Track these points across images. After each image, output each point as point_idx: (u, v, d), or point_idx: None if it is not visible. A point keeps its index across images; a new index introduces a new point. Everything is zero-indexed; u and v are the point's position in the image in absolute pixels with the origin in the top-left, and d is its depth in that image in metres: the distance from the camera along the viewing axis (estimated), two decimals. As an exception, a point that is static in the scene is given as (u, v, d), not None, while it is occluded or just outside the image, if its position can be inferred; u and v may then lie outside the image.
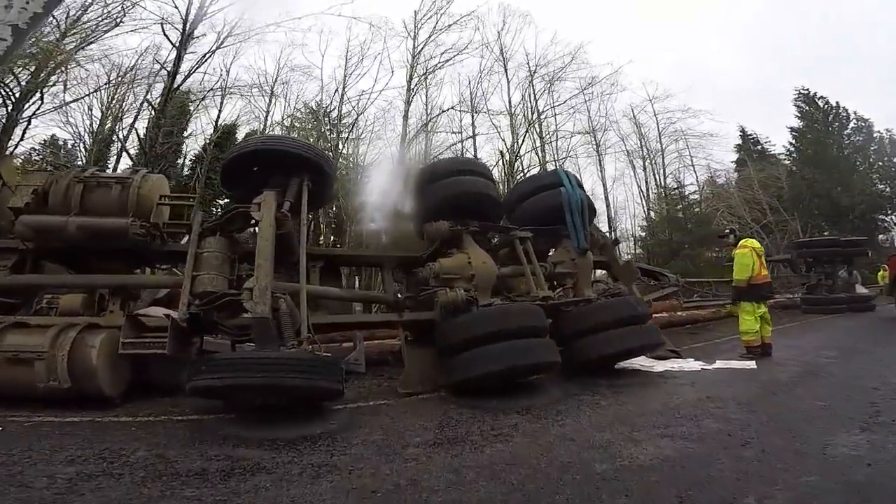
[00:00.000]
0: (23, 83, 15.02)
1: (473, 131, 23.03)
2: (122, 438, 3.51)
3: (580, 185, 7.08)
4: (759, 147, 34.16)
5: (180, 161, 21.96)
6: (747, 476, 2.74)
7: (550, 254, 6.93)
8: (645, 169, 29.46)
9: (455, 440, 3.52)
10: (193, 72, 18.12)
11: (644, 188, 29.63)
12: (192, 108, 20.03)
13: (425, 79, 22.27)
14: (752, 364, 6.24)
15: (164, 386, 4.67)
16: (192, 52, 18.02)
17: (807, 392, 4.69)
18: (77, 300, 4.88)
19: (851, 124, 32.32)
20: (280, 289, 4.38)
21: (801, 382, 5.12)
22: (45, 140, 20.02)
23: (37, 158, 17.63)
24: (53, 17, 14.41)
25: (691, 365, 6.35)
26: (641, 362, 6.34)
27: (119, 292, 5.14)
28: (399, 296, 5.96)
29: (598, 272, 8.16)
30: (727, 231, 7.91)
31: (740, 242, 7.32)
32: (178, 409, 4.36)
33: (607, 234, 8.98)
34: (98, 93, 18.11)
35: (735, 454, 3.08)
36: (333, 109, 21.44)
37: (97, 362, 4.10)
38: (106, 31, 16.82)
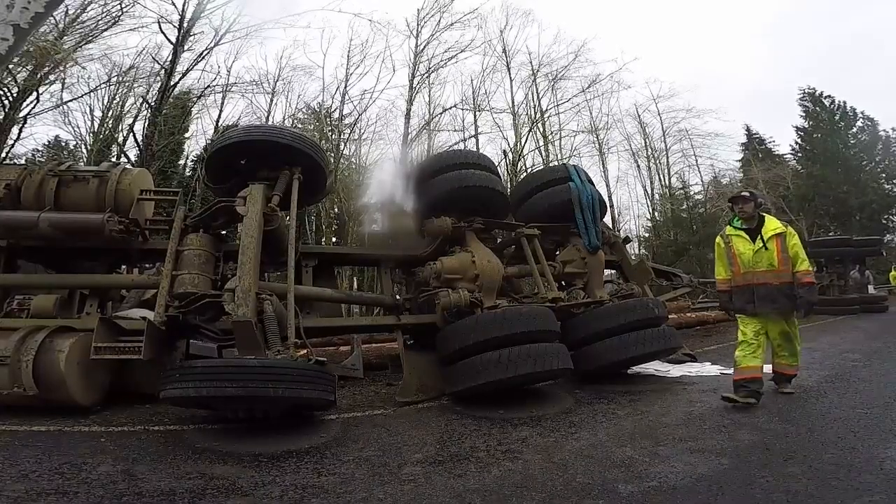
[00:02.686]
0: (20, 82, 14.78)
1: (476, 130, 22.71)
2: (87, 451, 3.17)
3: (590, 181, 6.72)
4: (763, 147, 33.82)
5: (182, 161, 21.80)
6: (799, 497, 2.36)
7: (559, 252, 6.56)
8: (649, 169, 29.15)
9: (458, 457, 3.14)
10: (191, 69, 17.89)
11: (648, 188, 29.31)
12: (192, 108, 19.79)
13: (427, 77, 21.95)
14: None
15: (148, 393, 4.31)
16: (190, 51, 17.78)
17: (841, 399, 4.30)
18: (50, 301, 4.54)
19: (858, 123, 31.97)
20: (266, 289, 4.03)
21: (831, 388, 4.73)
22: (48, 141, 19.92)
23: (41, 160, 17.43)
24: (52, 15, 14.23)
25: (709, 369, 5.99)
26: (656, 367, 5.99)
27: (97, 293, 4.82)
28: (398, 297, 5.62)
29: (608, 272, 7.80)
30: (746, 193, 4.59)
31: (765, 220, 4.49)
32: (157, 419, 4.02)
33: (617, 233, 8.59)
34: (98, 92, 17.99)
35: (779, 471, 2.69)
36: (335, 109, 21.15)
37: (65, 368, 3.74)
38: (105, 30, 16.63)
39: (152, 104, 17.01)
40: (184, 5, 17.23)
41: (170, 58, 17.16)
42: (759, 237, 4.36)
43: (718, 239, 4.67)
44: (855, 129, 31.89)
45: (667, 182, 29.46)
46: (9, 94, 14.73)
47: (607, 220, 13.59)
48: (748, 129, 33.90)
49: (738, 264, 4.44)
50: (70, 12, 15.69)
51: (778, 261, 4.29)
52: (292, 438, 3.48)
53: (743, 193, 4.55)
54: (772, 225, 4.40)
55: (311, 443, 3.42)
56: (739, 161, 32.39)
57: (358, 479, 2.78)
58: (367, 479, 2.79)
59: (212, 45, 18.22)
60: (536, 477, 2.76)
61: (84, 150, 18.84)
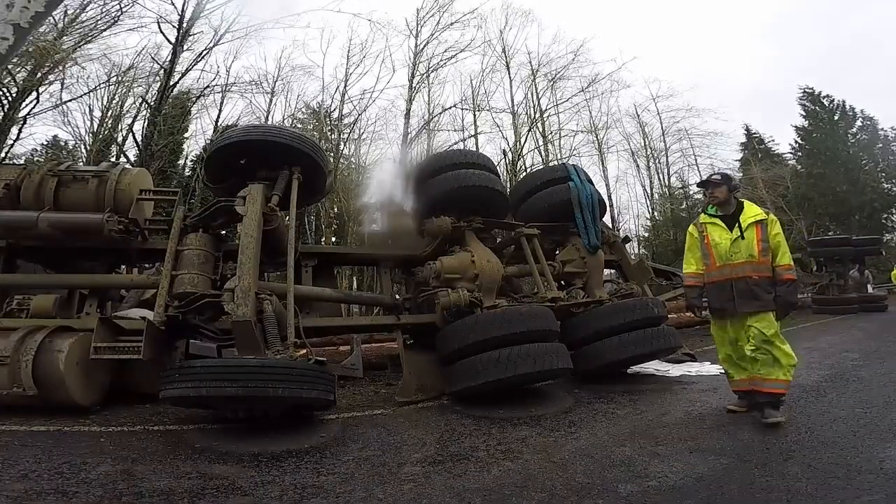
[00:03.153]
0: (19, 82, 14.78)
1: (475, 130, 22.73)
2: (86, 451, 3.16)
3: (589, 180, 6.71)
4: (763, 146, 33.80)
5: (181, 161, 21.80)
6: (798, 497, 2.36)
7: (559, 252, 6.56)
8: (649, 168, 29.15)
9: (457, 457, 3.14)
10: (191, 69, 17.92)
11: (648, 188, 29.31)
12: (191, 107, 19.78)
13: (427, 77, 21.97)
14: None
15: (148, 393, 4.31)
16: (189, 50, 17.80)
17: (840, 398, 4.30)
18: (50, 301, 4.54)
19: (857, 123, 31.94)
20: (266, 289, 4.03)
21: (831, 387, 4.73)
22: (46, 141, 19.91)
23: (39, 160, 17.45)
24: (52, 15, 14.23)
25: (708, 369, 5.98)
26: (656, 366, 5.99)
27: (97, 293, 4.83)
28: (397, 297, 5.62)
29: (608, 271, 7.80)
30: (717, 176, 4.03)
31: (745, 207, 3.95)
32: (157, 419, 4.02)
33: (617, 232, 8.58)
34: (97, 92, 18.00)
35: (778, 470, 2.70)
36: (335, 109, 21.16)
37: (64, 368, 3.74)
38: (104, 30, 16.65)
39: (151, 104, 17.03)
40: (183, 5, 17.28)
41: (169, 58, 17.19)
42: (736, 225, 3.83)
43: (692, 228, 4.15)
44: (854, 129, 31.86)
45: (666, 182, 29.49)
46: (8, 94, 14.74)
47: (607, 219, 13.59)
48: (747, 129, 33.89)
49: (713, 256, 3.91)
50: (69, 12, 15.72)
51: (758, 251, 3.73)
52: (292, 438, 3.48)
53: (713, 177, 4.03)
54: (751, 211, 3.87)
55: (310, 442, 3.42)
56: (739, 161, 32.39)
57: (357, 479, 2.78)
58: (367, 478, 2.79)
59: (211, 44, 18.29)
60: (536, 476, 2.77)
61: (83, 150, 18.85)
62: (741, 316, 3.75)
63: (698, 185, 4.25)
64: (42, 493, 2.50)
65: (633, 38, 44.75)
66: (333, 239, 19.63)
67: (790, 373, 3.63)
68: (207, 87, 19.24)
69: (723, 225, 3.88)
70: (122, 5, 16.36)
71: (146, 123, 17.06)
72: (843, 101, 32.05)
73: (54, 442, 3.32)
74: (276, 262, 5.01)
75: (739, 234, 3.79)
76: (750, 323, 3.69)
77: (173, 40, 16.95)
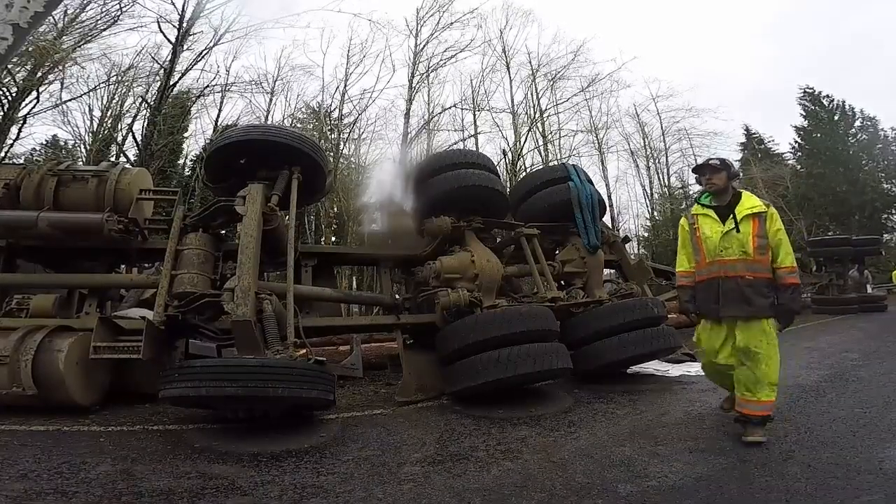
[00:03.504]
0: (19, 81, 14.79)
1: (475, 130, 22.74)
2: (86, 451, 3.16)
3: (589, 180, 6.70)
4: (763, 146, 33.83)
5: (181, 161, 21.80)
6: (798, 497, 2.36)
7: (558, 252, 6.56)
8: (648, 168, 29.15)
9: (457, 457, 3.14)
10: (190, 69, 17.95)
11: (648, 188, 29.31)
12: (191, 107, 19.78)
13: (427, 77, 21.98)
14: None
15: (148, 393, 4.31)
16: (189, 50, 17.82)
17: (840, 398, 4.30)
18: (50, 301, 4.54)
19: (857, 123, 31.94)
20: (266, 289, 4.03)
21: (830, 388, 4.73)
22: (46, 140, 19.92)
23: (38, 159, 17.46)
24: (51, 15, 14.24)
25: (708, 369, 5.99)
26: (655, 366, 5.99)
27: (96, 292, 4.83)
28: (397, 297, 5.62)
29: (607, 271, 7.80)
30: (716, 161, 3.48)
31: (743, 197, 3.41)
32: (156, 419, 4.02)
33: (617, 232, 8.58)
34: (97, 92, 18.01)
35: (778, 470, 2.70)
36: (335, 109, 21.16)
37: (64, 368, 3.74)
38: (104, 30, 16.67)
39: (151, 104, 17.05)
40: (183, 5, 17.30)
41: (169, 57, 17.20)
42: (731, 217, 3.31)
43: (683, 220, 3.67)
44: (854, 129, 31.86)
45: (666, 182, 29.50)
46: (8, 93, 14.75)
47: (607, 219, 13.57)
48: (747, 129, 33.95)
49: (703, 251, 3.41)
50: (69, 12, 15.73)
51: (753, 248, 3.22)
52: (292, 438, 3.48)
53: (711, 161, 3.45)
54: (749, 202, 3.33)
55: (310, 442, 3.42)
56: (739, 161, 32.38)
57: (357, 479, 2.78)
58: (367, 478, 2.79)
59: (211, 44, 18.32)
60: (536, 476, 2.77)
61: (83, 150, 18.85)
62: (728, 321, 3.29)
63: (694, 170, 3.67)
64: (42, 492, 2.50)
65: (633, 38, 44.76)
66: (333, 239, 19.63)
67: (773, 392, 3.20)
68: (207, 86, 19.28)
69: (715, 217, 3.39)
70: (122, 5, 16.41)
71: (146, 123, 17.09)
72: (843, 101, 32.08)
73: (54, 442, 3.32)
74: (276, 262, 5.01)
75: (734, 226, 3.28)
76: (740, 331, 3.23)
77: (173, 40, 16.97)
